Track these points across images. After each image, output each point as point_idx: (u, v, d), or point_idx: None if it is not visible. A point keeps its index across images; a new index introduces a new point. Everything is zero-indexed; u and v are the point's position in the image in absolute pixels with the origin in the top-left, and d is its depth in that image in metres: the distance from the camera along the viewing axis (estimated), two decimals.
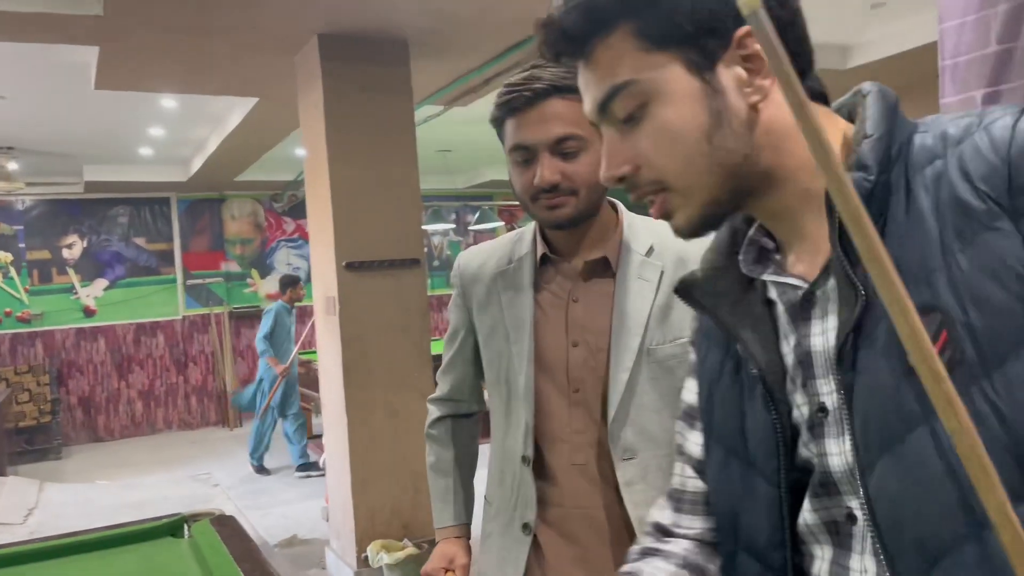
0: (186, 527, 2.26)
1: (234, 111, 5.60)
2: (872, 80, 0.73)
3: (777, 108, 0.69)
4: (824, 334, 0.69)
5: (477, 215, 8.47)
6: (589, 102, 0.73)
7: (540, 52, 0.75)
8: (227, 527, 2.21)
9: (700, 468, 0.85)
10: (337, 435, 3.94)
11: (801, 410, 0.71)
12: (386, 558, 3.57)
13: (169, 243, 8.86)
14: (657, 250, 1.32)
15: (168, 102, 5.42)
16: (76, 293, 8.45)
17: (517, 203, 7.58)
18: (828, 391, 0.69)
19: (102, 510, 5.17)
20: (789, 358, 0.72)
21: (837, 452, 0.68)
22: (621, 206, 1.39)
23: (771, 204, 0.72)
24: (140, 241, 8.74)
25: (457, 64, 4.31)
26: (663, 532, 0.88)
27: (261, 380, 6.83)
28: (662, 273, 1.30)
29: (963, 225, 0.60)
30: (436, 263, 10.31)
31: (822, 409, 0.69)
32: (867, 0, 4.20)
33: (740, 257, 0.77)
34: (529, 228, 1.41)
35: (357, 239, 3.82)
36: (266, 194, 9.17)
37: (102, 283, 8.55)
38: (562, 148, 1.23)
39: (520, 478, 1.35)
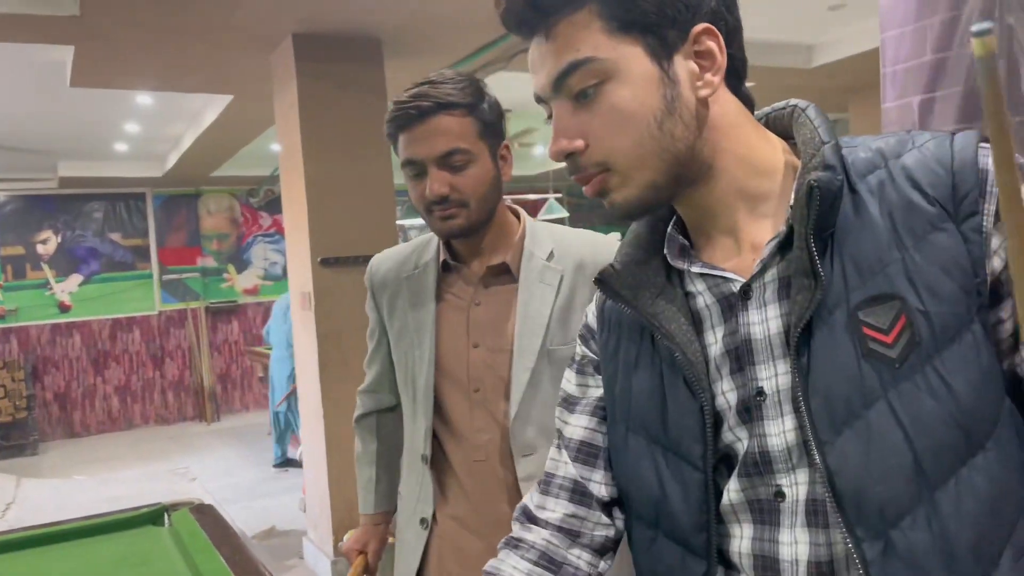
0: (166, 516, 2.33)
1: (209, 108, 5.63)
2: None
3: (722, 106, 0.74)
4: (764, 323, 0.73)
5: None
6: (543, 76, 0.74)
7: (501, 20, 0.77)
8: (206, 515, 2.29)
9: (576, 455, 0.88)
10: (314, 428, 4.02)
11: (727, 396, 0.75)
12: None
13: (145, 238, 8.86)
14: (557, 255, 1.37)
15: (143, 99, 5.44)
16: (51, 289, 8.43)
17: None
18: (768, 375, 0.73)
19: (80, 505, 5.20)
20: (714, 348, 0.76)
21: (776, 432, 0.72)
22: (523, 213, 1.45)
23: (704, 197, 0.76)
24: (115, 236, 8.73)
25: (431, 62, 4.39)
26: (528, 517, 0.90)
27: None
28: (562, 277, 1.36)
29: (914, 224, 0.68)
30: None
31: (760, 393, 0.73)
32: (826, 1, 4.32)
33: (665, 250, 0.80)
34: (434, 238, 1.46)
35: (332, 235, 3.90)
36: (242, 189, 9.19)
37: (77, 279, 8.54)
38: (450, 162, 1.28)
39: (422, 475, 1.42)
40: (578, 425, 0.89)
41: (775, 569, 0.73)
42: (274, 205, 9.29)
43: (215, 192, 9.13)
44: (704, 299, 0.77)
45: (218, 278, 9.20)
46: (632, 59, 0.71)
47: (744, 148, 0.76)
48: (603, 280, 0.83)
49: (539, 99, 0.77)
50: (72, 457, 7.50)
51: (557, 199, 9.00)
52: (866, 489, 0.67)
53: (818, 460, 0.68)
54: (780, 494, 0.72)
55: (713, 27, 0.73)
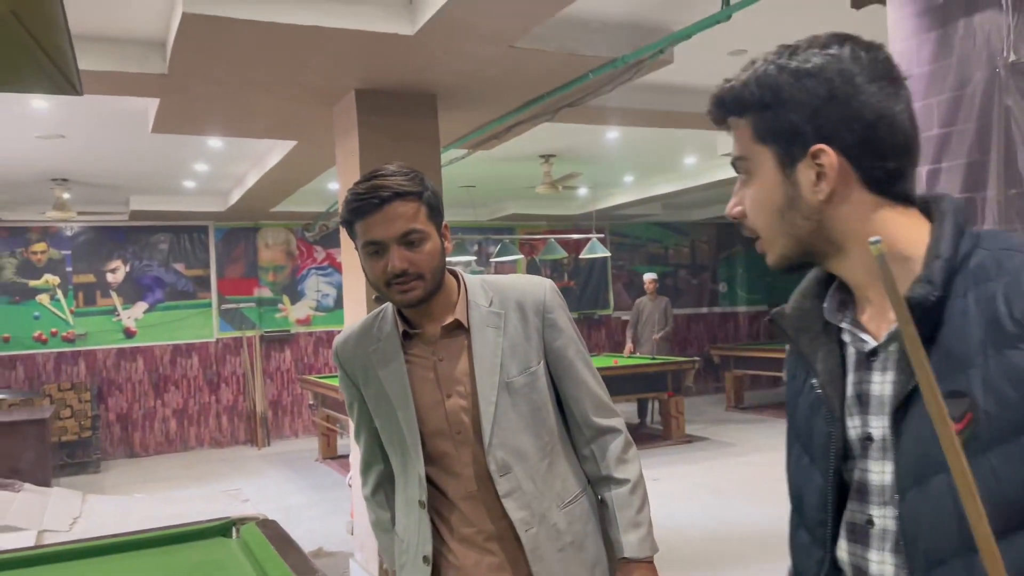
0: (234, 529, 2.59)
1: (274, 151, 6.02)
2: None
3: (851, 203, 0.90)
4: (882, 384, 0.90)
5: (499, 247, 8.83)
6: (732, 155, 0.99)
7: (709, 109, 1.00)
8: (271, 529, 2.54)
9: None
10: None
11: (854, 431, 0.93)
12: None
13: (206, 269, 9.32)
14: (496, 300, 1.58)
15: (215, 142, 5.85)
16: (118, 315, 8.91)
17: (539, 236, 8.14)
18: (877, 425, 0.89)
19: (142, 520, 5.51)
20: (850, 389, 0.93)
21: (877, 471, 0.90)
22: (461, 272, 1.63)
23: (845, 269, 0.93)
24: (179, 267, 9.20)
25: (480, 115, 4.69)
26: None
27: None
28: (504, 317, 1.57)
29: (999, 340, 0.81)
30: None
31: (869, 438, 0.90)
32: (727, 47, 4.25)
33: (825, 304, 0.97)
34: (388, 309, 1.63)
35: None
36: (299, 223, 9.62)
37: (142, 306, 9.01)
38: (407, 240, 1.45)
39: (419, 519, 1.58)
40: None
41: None
42: (328, 240, 9.70)
43: (273, 226, 9.58)
44: (850, 349, 0.95)
45: (273, 308, 9.61)
46: (765, 163, 0.91)
47: (864, 251, 0.91)
48: (775, 320, 1.02)
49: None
50: (132, 476, 7.88)
51: (599, 239, 9.20)
52: (921, 535, 0.84)
53: (894, 501, 0.87)
54: (871, 522, 0.91)
55: (828, 147, 0.89)
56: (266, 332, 9.50)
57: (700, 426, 8.84)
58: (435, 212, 1.51)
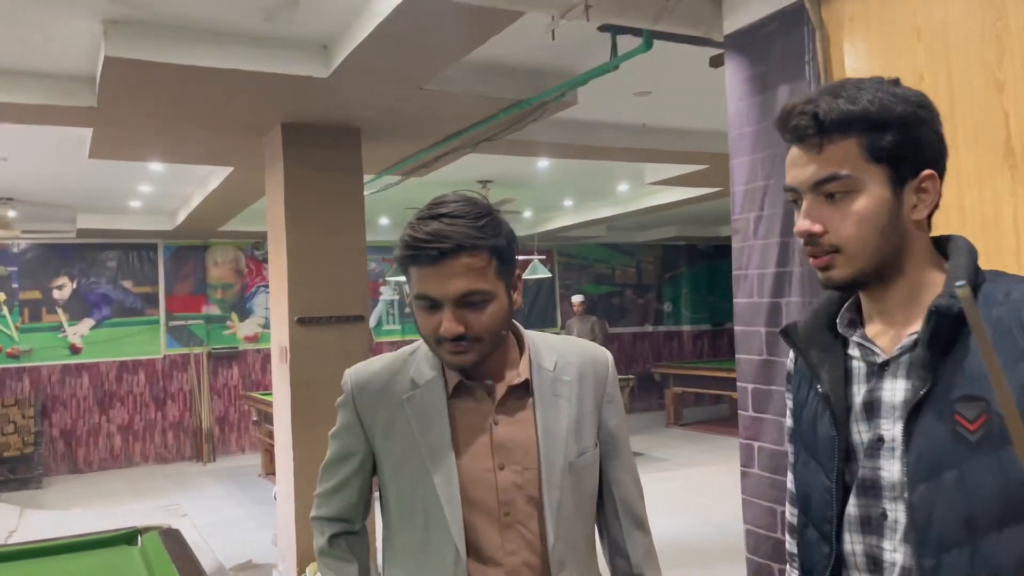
0: (139, 537, 2.80)
1: (215, 175, 6.22)
2: None
3: (923, 230, 1.02)
4: (893, 391, 1.01)
5: None
6: (805, 176, 1.01)
7: (779, 120, 1.03)
8: (172, 538, 2.75)
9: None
10: (285, 468, 4.48)
11: (862, 436, 1.03)
12: None
13: (154, 286, 9.43)
14: (560, 365, 1.36)
15: (156, 166, 6.04)
16: (64, 331, 8.99)
17: None
18: (888, 428, 1.00)
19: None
20: (856, 398, 1.04)
21: (888, 470, 1.00)
22: (519, 327, 1.40)
23: (886, 288, 1.03)
24: (127, 284, 9.31)
25: (405, 146, 4.96)
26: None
27: None
28: (571, 386, 1.35)
29: (1010, 353, 0.93)
30: (408, 310, 10.88)
31: (879, 439, 1.01)
32: (632, 87, 4.44)
33: (838, 320, 1.10)
34: (423, 351, 1.37)
35: (309, 297, 4.41)
36: (248, 242, 9.78)
37: (89, 322, 9.10)
38: (467, 301, 1.22)
39: None
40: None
41: (880, 569, 1.02)
42: None
43: (222, 244, 9.73)
44: (857, 362, 1.06)
45: (221, 325, 9.74)
46: (876, 182, 0.98)
47: (924, 262, 1.04)
48: (788, 333, 1.14)
49: (789, 188, 1.05)
50: (74, 491, 7.95)
51: (541, 260, 9.50)
52: (931, 524, 0.95)
53: (907, 496, 0.97)
54: (884, 515, 1.01)
55: (935, 173, 1.00)
56: (214, 349, 9.63)
57: (638, 440, 9.13)
58: (506, 265, 1.26)
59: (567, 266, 12.02)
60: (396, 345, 10.60)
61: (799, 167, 1.01)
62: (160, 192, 7.30)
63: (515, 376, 1.33)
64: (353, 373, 1.40)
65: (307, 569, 4.21)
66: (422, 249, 1.20)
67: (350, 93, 3.87)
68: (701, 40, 2.85)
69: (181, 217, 8.01)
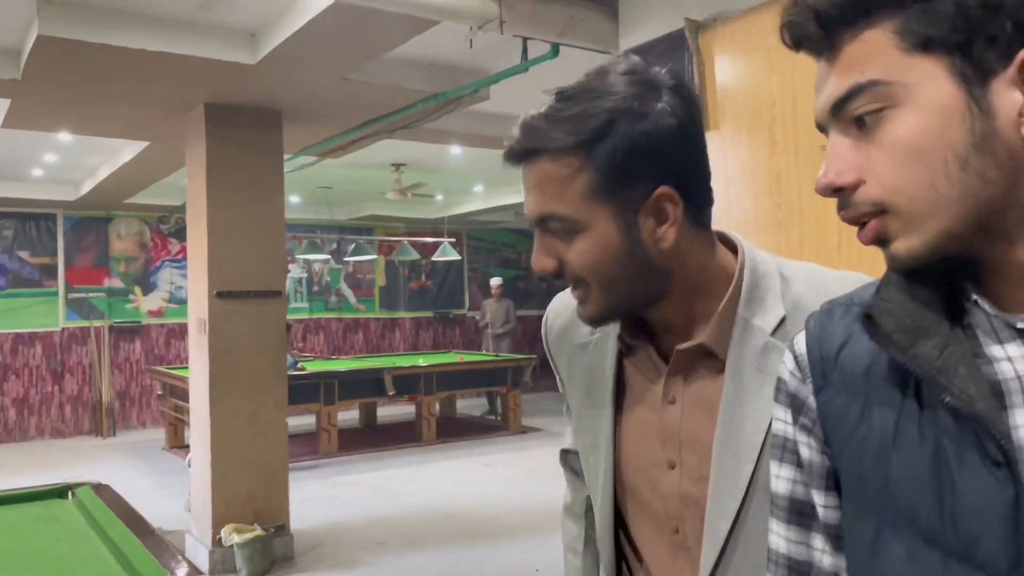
0: (71, 493, 2.97)
1: (127, 148, 6.24)
2: None
3: None
4: None
5: (352, 247, 9.28)
6: (823, 99, 0.63)
7: (780, 36, 0.66)
8: (107, 493, 2.94)
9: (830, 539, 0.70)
10: (202, 435, 4.66)
11: None
12: (236, 538, 4.32)
13: (53, 257, 9.23)
14: (790, 323, 0.87)
15: (65, 136, 6.01)
16: None
17: (396, 238, 8.74)
18: None
19: None
20: (1022, 432, 0.56)
21: None
22: (743, 246, 0.93)
23: (997, 261, 0.59)
24: (24, 254, 9.08)
25: (323, 130, 5.18)
26: None
27: None
28: None
29: None
30: (316, 288, 11.01)
31: None
32: (540, 86, 5.11)
33: (966, 297, 0.62)
34: None
35: (228, 272, 4.60)
36: (153, 216, 9.68)
37: None
38: (546, 227, 0.88)
39: None
40: (826, 552, 0.70)
41: None
42: (183, 232, 9.79)
43: (126, 217, 9.59)
44: (1017, 367, 0.58)
45: (124, 299, 9.62)
46: (930, 83, 0.58)
47: None
48: (875, 319, 0.63)
49: (820, 126, 0.66)
50: None
51: (451, 243, 9.82)
52: None
53: None
54: None
55: None
56: (116, 323, 9.51)
57: (538, 419, 9.61)
58: (614, 182, 0.84)
59: (475, 250, 12.37)
60: (303, 324, 10.72)
61: (818, 90, 0.65)
62: (65, 163, 7.21)
63: (693, 334, 0.91)
64: (553, 302, 1.12)
65: (222, 531, 4.42)
66: (508, 145, 0.89)
67: (275, 80, 4.08)
68: (602, 52, 3.23)
69: (86, 188, 7.90)
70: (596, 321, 0.91)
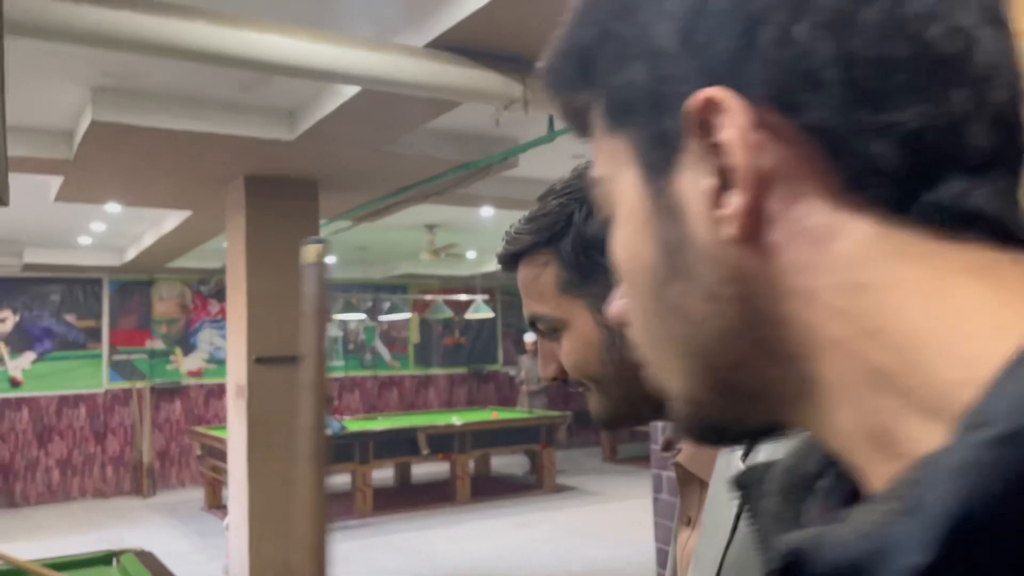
0: (115, 560, 3.06)
1: (171, 216, 6.49)
2: None
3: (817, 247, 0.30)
4: None
5: (388, 306, 9.44)
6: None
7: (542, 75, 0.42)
8: (148, 559, 3.02)
9: None
10: (240, 500, 4.74)
11: None
12: None
13: (98, 320, 9.51)
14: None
15: (113, 207, 6.28)
16: (4, 365, 8.98)
17: (431, 296, 8.87)
18: None
19: None
20: None
21: None
22: None
23: (829, 424, 0.31)
24: (70, 318, 9.37)
25: (359, 197, 5.35)
26: None
27: None
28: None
29: None
30: (351, 346, 11.15)
31: None
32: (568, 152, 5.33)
33: None
34: None
35: (266, 338, 4.73)
36: (194, 278, 9.95)
37: (30, 356, 9.12)
38: (538, 330, 0.86)
39: None
40: None
41: None
42: (223, 293, 10.03)
43: (168, 279, 9.88)
44: None
45: (165, 360, 9.84)
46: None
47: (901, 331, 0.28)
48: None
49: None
50: (11, 525, 7.93)
51: (484, 300, 9.93)
52: None
53: None
54: None
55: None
56: (157, 383, 9.71)
57: (573, 477, 9.54)
58: (584, 269, 0.80)
59: (509, 305, 12.46)
60: (340, 382, 10.84)
61: None
62: (112, 231, 7.50)
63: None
64: None
65: None
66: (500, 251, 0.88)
67: (312, 154, 4.26)
68: None
69: (131, 254, 8.18)
70: (607, 424, 0.84)
